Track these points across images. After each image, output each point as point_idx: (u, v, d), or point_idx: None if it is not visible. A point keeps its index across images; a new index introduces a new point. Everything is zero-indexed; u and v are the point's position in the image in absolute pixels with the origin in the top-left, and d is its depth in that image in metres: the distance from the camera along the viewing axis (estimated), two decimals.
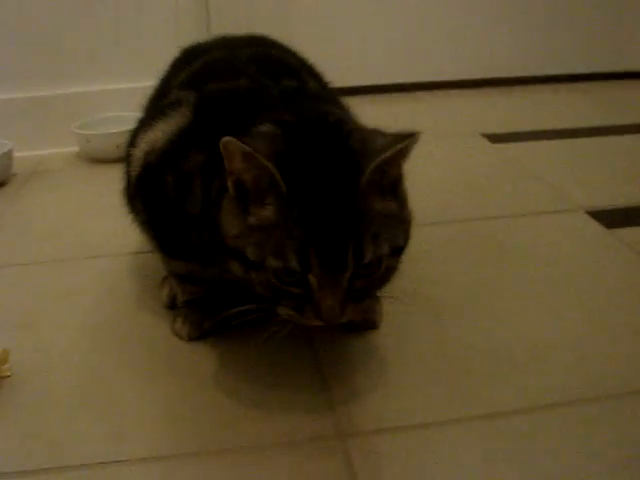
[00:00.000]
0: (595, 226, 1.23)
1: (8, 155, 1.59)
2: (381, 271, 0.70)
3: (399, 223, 0.72)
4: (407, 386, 0.83)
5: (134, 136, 0.92)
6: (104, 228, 1.28)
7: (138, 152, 0.88)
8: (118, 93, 1.76)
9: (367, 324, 0.93)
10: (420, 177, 1.47)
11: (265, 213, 0.68)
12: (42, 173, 1.64)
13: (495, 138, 1.73)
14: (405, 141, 0.66)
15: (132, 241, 1.15)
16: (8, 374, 0.88)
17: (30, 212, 1.42)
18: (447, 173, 1.54)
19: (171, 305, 0.99)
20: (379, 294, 0.80)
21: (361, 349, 0.91)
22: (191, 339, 0.92)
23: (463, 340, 0.91)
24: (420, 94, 2.17)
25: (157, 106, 0.93)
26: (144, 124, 0.91)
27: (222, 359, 0.89)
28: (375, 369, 0.86)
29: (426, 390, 0.82)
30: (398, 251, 0.71)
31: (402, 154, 0.68)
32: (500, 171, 1.53)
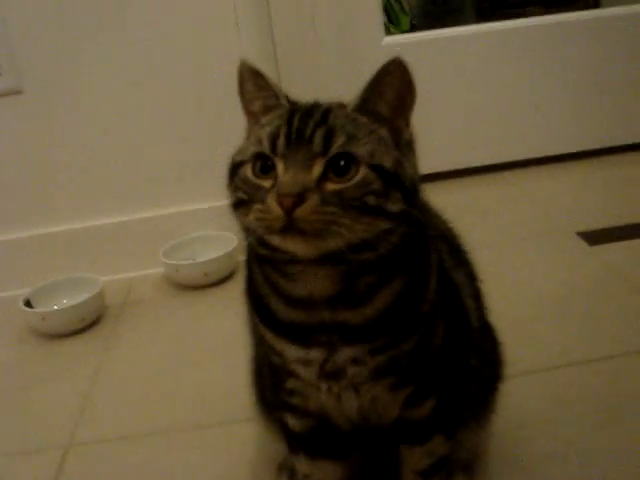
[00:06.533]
0: None
1: (100, 294, 1.61)
2: (357, 179, 0.68)
3: (389, 148, 0.72)
4: None
5: None
6: (212, 382, 1.27)
7: None
8: (202, 213, 1.76)
9: None
10: (515, 293, 1.41)
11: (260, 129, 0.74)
12: (134, 305, 1.66)
13: (592, 238, 1.63)
14: (386, 64, 0.70)
15: None
16: None
17: (131, 363, 1.42)
18: (546, 290, 1.45)
19: None
20: None
21: None
22: None
23: None
24: (506, 175, 2.10)
25: None
26: None
27: None
28: None
29: None
30: (383, 173, 0.69)
31: (391, 80, 0.70)
32: (605, 286, 1.44)
